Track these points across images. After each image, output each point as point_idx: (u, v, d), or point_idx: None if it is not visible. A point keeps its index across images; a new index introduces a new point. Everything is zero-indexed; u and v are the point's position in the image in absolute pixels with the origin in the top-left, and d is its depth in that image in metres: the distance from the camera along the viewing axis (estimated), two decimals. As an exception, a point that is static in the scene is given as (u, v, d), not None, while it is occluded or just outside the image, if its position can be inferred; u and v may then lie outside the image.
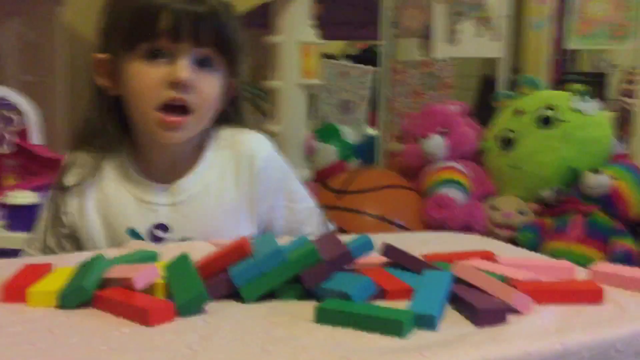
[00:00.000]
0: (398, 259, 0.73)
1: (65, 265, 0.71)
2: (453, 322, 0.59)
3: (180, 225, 0.97)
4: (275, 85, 2.40)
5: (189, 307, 0.60)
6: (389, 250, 0.73)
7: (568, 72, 4.90)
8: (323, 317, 0.58)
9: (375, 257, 0.73)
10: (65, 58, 2.94)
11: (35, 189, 1.66)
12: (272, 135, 2.26)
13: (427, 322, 0.57)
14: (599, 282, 0.69)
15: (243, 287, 0.65)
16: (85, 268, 0.68)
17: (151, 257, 0.75)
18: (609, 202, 1.88)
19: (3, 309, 0.62)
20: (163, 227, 0.97)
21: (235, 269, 0.65)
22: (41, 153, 1.89)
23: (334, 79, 2.98)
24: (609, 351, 0.57)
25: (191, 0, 0.91)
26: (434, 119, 2.25)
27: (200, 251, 0.74)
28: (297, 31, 2.36)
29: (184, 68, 0.91)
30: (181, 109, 0.92)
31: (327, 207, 2.08)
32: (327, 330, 0.57)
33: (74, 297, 0.62)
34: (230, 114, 1.03)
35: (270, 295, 0.65)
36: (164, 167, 0.99)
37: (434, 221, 2.00)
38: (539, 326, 0.58)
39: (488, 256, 0.79)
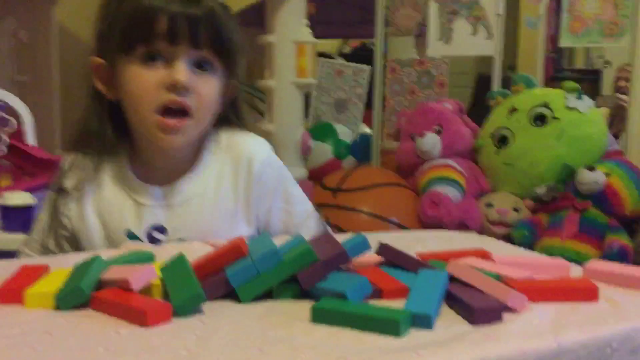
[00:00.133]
0: (394, 258, 0.73)
1: (62, 267, 0.71)
2: (449, 321, 0.59)
3: (177, 227, 0.97)
4: (270, 85, 2.40)
5: (186, 308, 0.60)
6: (385, 250, 0.74)
7: (563, 69, 4.91)
8: (319, 317, 0.59)
9: (371, 257, 0.74)
10: (59, 58, 2.93)
11: (29, 189, 1.65)
12: (267, 134, 2.27)
13: (423, 321, 0.57)
14: (593, 280, 0.69)
15: (239, 287, 0.65)
16: (81, 269, 0.67)
17: (147, 258, 0.75)
18: (604, 198, 1.89)
19: (0, 311, 0.62)
20: (160, 229, 0.97)
21: (232, 269, 0.65)
22: (36, 154, 1.88)
23: (329, 78, 2.98)
24: (605, 349, 0.57)
25: (188, 3, 0.91)
26: (429, 117, 2.25)
27: (196, 251, 0.74)
28: (291, 30, 2.37)
29: (181, 71, 0.90)
30: (180, 112, 0.92)
31: (323, 206, 2.08)
32: (323, 330, 0.57)
33: (71, 299, 0.62)
34: (229, 116, 1.03)
35: (266, 295, 0.65)
36: (162, 170, 0.99)
37: (429, 219, 2.00)
38: (535, 325, 0.59)
39: (483, 255, 0.79)
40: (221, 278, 0.65)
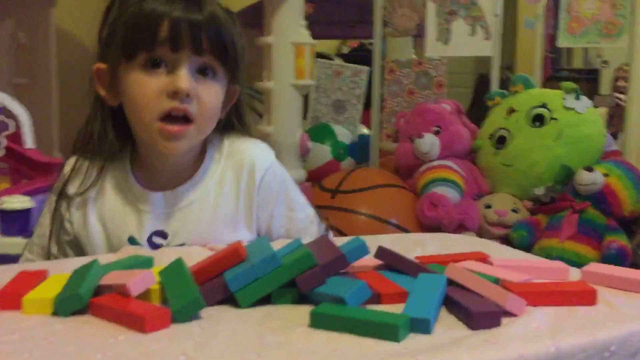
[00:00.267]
0: (392, 262, 0.73)
1: (60, 272, 0.71)
2: (448, 326, 0.59)
3: (178, 232, 0.97)
4: (269, 86, 2.40)
5: (185, 313, 0.60)
6: (383, 253, 0.74)
7: (561, 68, 4.91)
8: (318, 321, 0.59)
9: (369, 260, 0.74)
10: (58, 61, 2.93)
11: (28, 193, 1.65)
12: (265, 136, 2.26)
13: (421, 325, 0.57)
14: (592, 283, 0.69)
15: (238, 292, 0.65)
16: (80, 275, 0.67)
17: (146, 263, 0.75)
18: (602, 199, 1.89)
19: (-2, 317, 0.62)
20: (161, 234, 0.97)
21: (230, 274, 0.65)
22: (34, 157, 1.88)
23: (327, 79, 2.98)
24: (603, 352, 0.57)
25: (190, 9, 0.90)
26: (427, 118, 2.25)
27: (195, 256, 0.74)
28: (289, 31, 2.36)
29: (184, 78, 0.89)
30: (182, 118, 0.91)
31: (321, 207, 2.08)
32: (322, 335, 0.57)
33: (70, 305, 0.62)
34: (232, 122, 1.03)
35: (265, 299, 0.65)
36: (164, 175, 0.99)
37: (427, 220, 2.00)
38: (533, 328, 0.59)
39: (482, 258, 0.79)
40: (220, 283, 0.65)
